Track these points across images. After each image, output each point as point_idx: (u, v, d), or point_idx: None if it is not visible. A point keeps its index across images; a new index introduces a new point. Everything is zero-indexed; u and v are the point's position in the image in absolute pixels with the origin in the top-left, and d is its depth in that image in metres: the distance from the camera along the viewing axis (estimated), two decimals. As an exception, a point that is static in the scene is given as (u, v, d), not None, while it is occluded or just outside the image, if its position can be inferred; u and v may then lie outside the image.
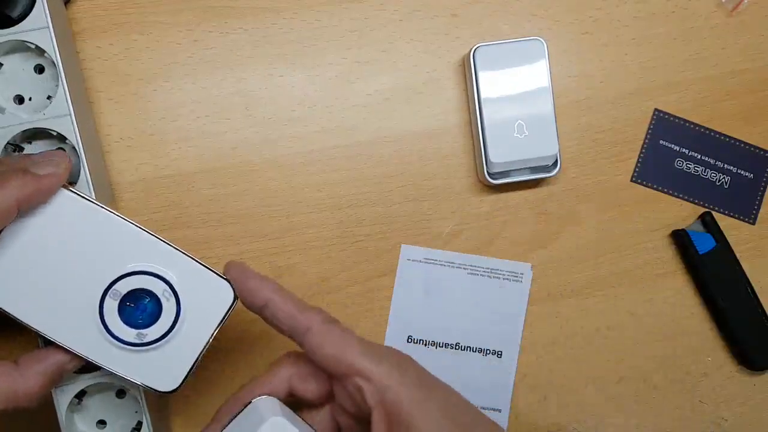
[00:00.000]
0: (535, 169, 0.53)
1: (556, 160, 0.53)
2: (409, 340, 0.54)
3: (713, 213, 0.55)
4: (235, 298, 0.41)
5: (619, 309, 0.55)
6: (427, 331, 0.54)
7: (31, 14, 0.44)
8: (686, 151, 0.55)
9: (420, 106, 0.53)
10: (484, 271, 0.54)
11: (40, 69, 0.47)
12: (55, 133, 0.45)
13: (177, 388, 0.41)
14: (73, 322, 0.40)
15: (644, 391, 0.56)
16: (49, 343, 0.40)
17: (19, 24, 0.44)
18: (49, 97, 0.46)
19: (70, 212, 0.39)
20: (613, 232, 0.55)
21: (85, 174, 0.45)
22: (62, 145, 0.46)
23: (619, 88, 0.55)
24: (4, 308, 0.39)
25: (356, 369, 0.37)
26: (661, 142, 0.55)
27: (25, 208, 0.37)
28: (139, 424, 0.48)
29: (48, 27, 0.44)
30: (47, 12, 0.44)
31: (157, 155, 0.51)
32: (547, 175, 0.53)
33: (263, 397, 0.39)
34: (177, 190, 0.52)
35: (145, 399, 0.47)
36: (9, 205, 0.36)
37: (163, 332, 0.40)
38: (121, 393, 0.48)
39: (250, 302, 0.40)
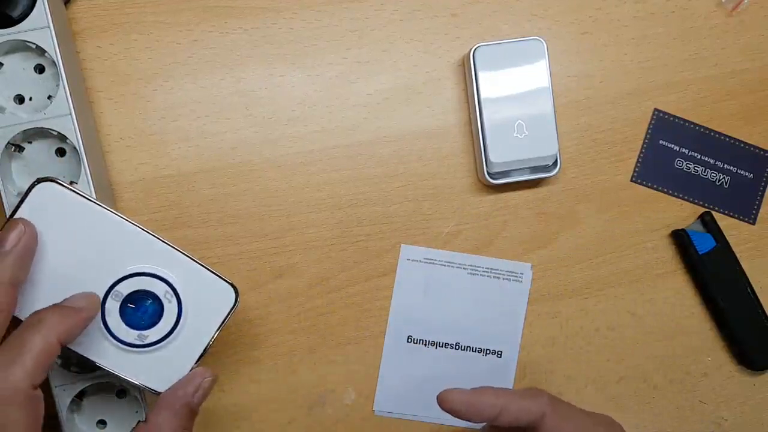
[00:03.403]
0: (534, 169, 0.53)
1: (556, 160, 0.53)
2: (409, 340, 0.54)
3: (713, 213, 0.55)
4: (237, 300, 0.41)
5: (619, 309, 0.55)
6: (427, 331, 0.54)
7: (31, 14, 0.44)
8: (686, 151, 0.55)
9: (420, 106, 0.53)
10: (484, 271, 0.54)
11: (40, 69, 0.47)
12: (55, 133, 0.45)
13: (177, 388, 0.41)
14: None
15: (644, 391, 0.56)
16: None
17: (20, 24, 0.44)
18: (49, 97, 0.46)
19: (73, 213, 0.39)
20: (613, 232, 0.55)
21: (85, 174, 0.45)
22: (62, 145, 0.46)
23: (618, 88, 0.55)
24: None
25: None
26: (660, 142, 0.55)
27: (67, 342, 0.36)
28: (140, 423, 0.47)
29: (48, 27, 0.44)
30: (48, 12, 0.44)
31: (157, 155, 0.51)
32: (547, 175, 0.53)
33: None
34: (177, 190, 0.52)
35: (146, 399, 0.47)
36: (50, 343, 0.35)
37: (165, 333, 0.40)
38: (121, 393, 0.48)
39: (486, 416, 0.42)
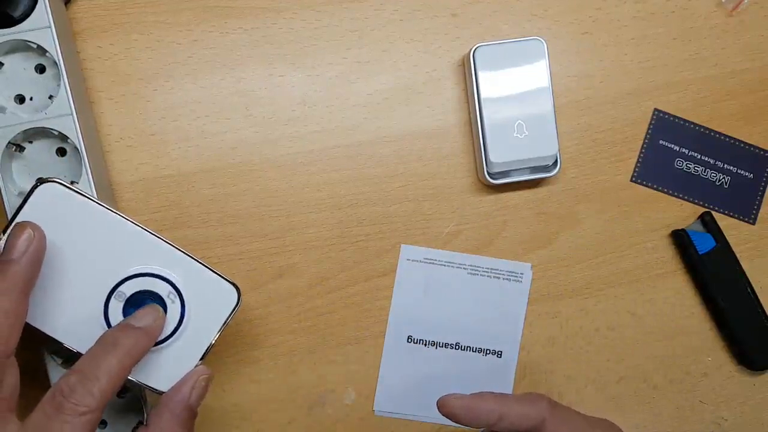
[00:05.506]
0: (534, 169, 0.53)
1: (556, 160, 0.53)
2: (409, 340, 0.54)
3: (713, 213, 0.55)
4: (239, 300, 0.41)
5: (619, 309, 0.55)
6: (427, 331, 0.54)
7: (32, 14, 0.44)
8: (686, 151, 0.55)
9: (420, 106, 0.53)
10: (484, 271, 0.54)
11: (41, 69, 0.47)
12: (56, 133, 0.45)
13: (179, 388, 0.41)
14: (77, 322, 0.40)
15: (644, 391, 0.56)
16: (53, 343, 0.40)
17: (21, 24, 0.44)
18: (50, 97, 0.47)
19: (75, 213, 0.39)
20: (613, 232, 0.55)
21: (86, 174, 0.45)
22: (63, 145, 0.46)
23: (618, 87, 0.55)
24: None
25: None
26: (660, 142, 0.55)
27: (134, 365, 0.38)
28: (140, 423, 0.47)
29: (49, 27, 0.44)
30: (49, 12, 0.44)
31: (157, 155, 0.51)
32: (547, 175, 0.53)
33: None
34: (177, 190, 0.52)
35: (146, 399, 0.47)
36: (124, 368, 0.37)
37: (168, 334, 0.40)
38: (121, 393, 0.48)
39: (485, 421, 0.41)
